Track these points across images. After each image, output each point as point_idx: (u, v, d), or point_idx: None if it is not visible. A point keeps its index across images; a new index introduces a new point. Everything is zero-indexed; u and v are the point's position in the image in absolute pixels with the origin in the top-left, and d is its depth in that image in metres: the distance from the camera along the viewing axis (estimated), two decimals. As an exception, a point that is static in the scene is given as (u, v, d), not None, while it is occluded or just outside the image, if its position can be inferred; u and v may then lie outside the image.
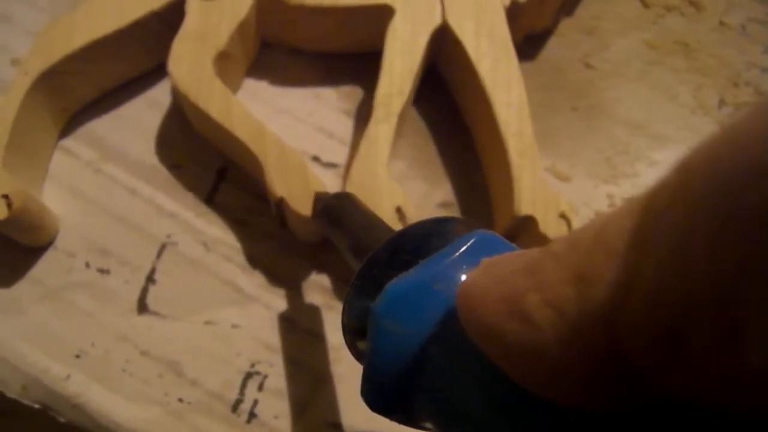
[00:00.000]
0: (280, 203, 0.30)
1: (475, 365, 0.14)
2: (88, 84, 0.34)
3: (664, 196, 0.10)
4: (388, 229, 0.24)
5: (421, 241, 0.18)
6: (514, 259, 0.13)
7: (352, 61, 0.36)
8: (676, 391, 0.10)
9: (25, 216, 0.30)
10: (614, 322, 0.10)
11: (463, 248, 0.16)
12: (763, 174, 0.08)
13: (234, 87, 0.35)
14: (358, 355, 0.20)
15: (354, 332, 0.20)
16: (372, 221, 0.25)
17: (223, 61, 0.33)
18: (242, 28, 0.33)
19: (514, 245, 0.17)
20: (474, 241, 0.16)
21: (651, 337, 0.10)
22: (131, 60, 0.35)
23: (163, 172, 0.34)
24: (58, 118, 0.34)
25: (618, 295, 0.10)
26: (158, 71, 0.36)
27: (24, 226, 0.30)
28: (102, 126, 0.35)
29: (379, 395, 0.17)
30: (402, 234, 0.19)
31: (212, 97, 0.31)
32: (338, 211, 0.26)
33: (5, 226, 0.29)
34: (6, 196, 0.28)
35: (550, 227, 0.30)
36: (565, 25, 0.39)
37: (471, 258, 0.16)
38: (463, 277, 0.16)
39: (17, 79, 0.31)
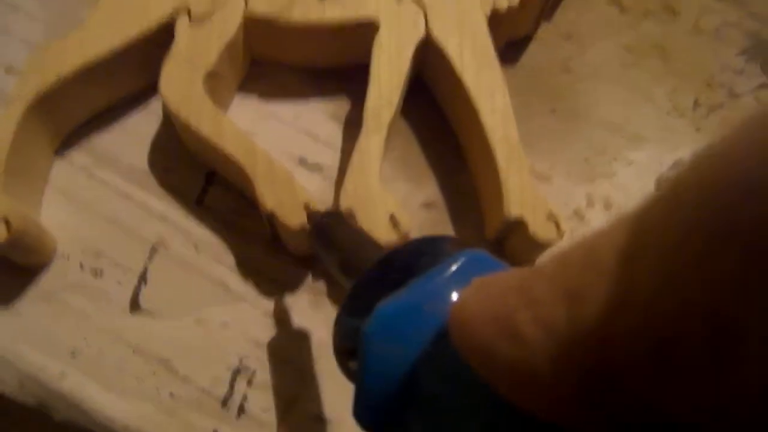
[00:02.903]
0: (271, 217, 0.31)
1: (466, 384, 0.14)
2: (82, 105, 0.35)
3: (655, 212, 0.10)
4: (379, 248, 0.24)
5: (412, 260, 0.18)
6: (505, 278, 0.13)
7: (339, 73, 0.37)
8: (666, 409, 0.10)
9: (24, 238, 0.30)
10: (605, 340, 0.10)
11: (454, 268, 0.16)
12: (754, 190, 0.08)
13: (225, 104, 0.36)
14: (349, 375, 0.20)
15: (345, 353, 0.20)
16: (362, 240, 0.25)
17: (212, 80, 0.34)
18: (230, 48, 0.34)
19: (505, 264, 0.17)
20: (464, 261, 0.16)
21: (642, 354, 0.10)
22: (124, 81, 0.36)
23: (154, 176, 0.35)
24: (53, 138, 0.35)
25: (609, 312, 0.10)
26: (149, 80, 0.37)
27: (23, 248, 0.31)
28: (96, 133, 0.36)
29: (370, 415, 0.17)
30: (392, 253, 0.19)
31: (203, 117, 0.32)
32: (329, 230, 0.26)
33: (4, 248, 0.30)
34: (5, 220, 0.29)
35: (540, 228, 0.31)
36: (545, 31, 0.40)
37: (461, 277, 0.16)
38: (454, 297, 0.16)
39: (12, 103, 0.32)
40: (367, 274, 0.19)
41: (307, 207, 0.30)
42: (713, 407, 0.09)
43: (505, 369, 0.12)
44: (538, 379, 0.11)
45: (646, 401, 0.10)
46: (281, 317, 0.33)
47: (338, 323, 0.20)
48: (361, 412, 0.17)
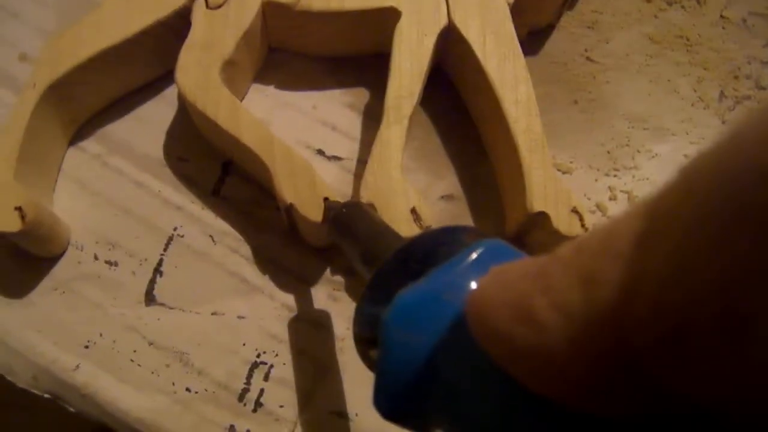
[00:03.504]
0: (290, 209, 0.30)
1: (485, 371, 0.14)
2: (97, 94, 0.35)
3: (669, 198, 0.10)
4: (398, 238, 0.24)
5: (431, 250, 0.18)
6: (522, 265, 0.13)
7: (357, 62, 0.37)
8: (683, 391, 0.10)
9: (38, 228, 0.30)
10: (621, 323, 0.10)
11: (472, 257, 0.16)
12: (766, 175, 0.08)
13: (241, 93, 0.36)
14: (370, 364, 0.20)
15: (365, 342, 0.20)
16: (382, 230, 0.25)
17: (229, 68, 0.33)
18: (248, 36, 0.33)
19: (522, 252, 0.17)
20: (482, 251, 0.16)
21: (657, 336, 0.10)
22: (139, 68, 0.35)
23: (169, 165, 0.35)
24: (67, 127, 0.34)
25: (624, 295, 0.10)
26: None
27: (36, 238, 0.31)
28: (109, 121, 0.35)
29: (391, 403, 0.17)
30: (411, 243, 0.20)
31: (219, 106, 0.31)
32: (348, 220, 0.26)
33: (18, 238, 0.30)
34: (20, 209, 0.29)
35: (563, 222, 0.30)
36: (567, 20, 0.39)
37: (479, 267, 0.16)
38: (473, 286, 0.16)
39: (26, 91, 0.32)
40: (387, 264, 0.20)
41: (326, 199, 0.30)
42: (729, 391, 0.09)
43: (522, 355, 0.12)
44: (555, 364, 0.11)
45: (662, 384, 0.10)
46: (298, 310, 0.32)
47: (359, 312, 0.20)
48: (381, 400, 0.17)
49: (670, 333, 0.09)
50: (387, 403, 0.17)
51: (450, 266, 0.16)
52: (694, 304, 0.09)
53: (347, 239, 0.26)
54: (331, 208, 0.29)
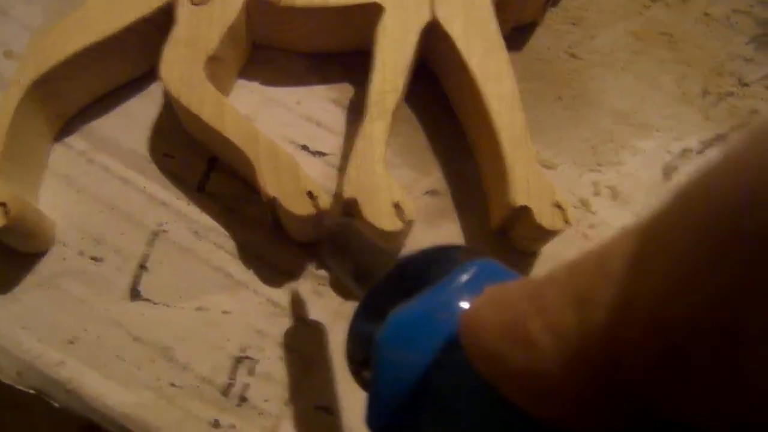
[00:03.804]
0: (273, 203, 0.30)
1: (479, 392, 0.14)
2: (82, 89, 0.35)
3: (663, 220, 0.10)
4: (391, 256, 0.24)
5: (424, 269, 0.18)
6: (516, 286, 0.13)
7: (341, 58, 0.37)
8: (676, 412, 0.10)
9: (23, 224, 0.30)
10: (615, 344, 0.10)
11: (466, 277, 0.16)
12: (762, 198, 0.08)
13: (226, 89, 0.36)
14: (363, 384, 0.20)
15: (358, 361, 0.20)
16: (375, 249, 0.25)
17: (214, 64, 0.33)
18: (232, 31, 0.33)
19: (515, 273, 0.17)
20: (476, 270, 0.16)
21: (651, 357, 0.10)
22: (124, 65, 0.35)
23: (155, 161, 0.35)
24: (53, 123, 0.35)
25: (618, 317, 0.10)
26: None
27: (21, 234, 0.31)
28: (94, 117, 0.36)
29: (384, 422, 0.17)
30: (404, 262, 0.20)
31: (204, 101, 0.31)
32: (341, 238, 0.26)
33: (3, 234, 0.30)
34: (4, 204, 0.29)
35: (546, 216, 0.31)
36: (552, 16, 0.39)
37: (473, 286, 0.16)
38: (466, 306, 0.16)
39: (11, 87, 0.32)
40: (380, 283, 0.20)
41: (310, 194, 0.30)
42: (723, 411, 0.09)
43: (516, 376, 0.12)
44: (549, 386, 0.11)
45: (656, 405, 0.10)
46: (283, 305, 0.32)
47: (351, 331, 0.20)
48: (374, 419, 0.17)
49: (663, 354, 0.09)
50: (380, 423, 0.17)
51: (443, 286, 0.16)
52: (688, 326, 0.09)
53: (340, 257, 0.26)
54: (323, 226, 0.29)
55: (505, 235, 0.33)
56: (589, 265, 0.11)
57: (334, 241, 0.27)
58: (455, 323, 0.14)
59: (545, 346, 0.11)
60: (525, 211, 0.31)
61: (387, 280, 0.19)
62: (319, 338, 0.32)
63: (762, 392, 0.08)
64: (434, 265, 0.18)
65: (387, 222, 0.29)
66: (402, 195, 0.30)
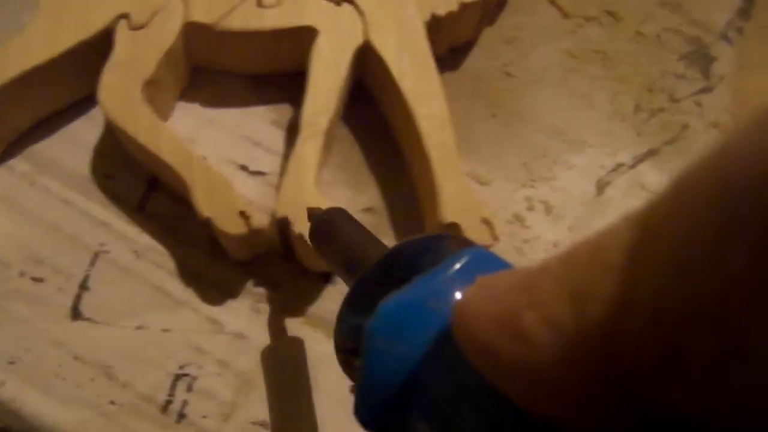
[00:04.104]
0: (207, 223, 0.31)
1: (471, 384, 0.14)
2: (23, 113, 0.35)
3: (662, 209, 0.10)
4: (382, 245, 0.24)
5: (415, 257, 0.18)
6: (509, 276, 0.13)
7: (281, 79, 0.38)
8: (674, 407, 0.10)
9: None
10: (612, 338, 0.10)
11: (458, 266, 0.16)
12: (761, 185, 0.08)
13: (166, 112, 0.36)
14: (351, 374, 0.20)
15: (347, 351, 0.20)
16: (365, 237, 0.25)
17: (152, 88, 0.34)
18: (170, 55, 0.34)
19: (508, 262, 0.17)
20: (468, 259, 0.16)
21: (651, 352, 0.09)
22: (65, 88, 0.36)
23: (96, 182, 0.35)
24: (-6, 146, 0.35)
25: (616, 309, 0.10)
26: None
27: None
28: (37, 140, 0.36)
29: (373, 414, 0.16)
30: (395, 250, 0.19)
31: (140, 124, 0.32)
32: (330, 227, 0.26)
33: None
34: None
35: (474, 232, 0.31)
36: (487, 36, 0.40)
37: (465, 275, 0.16)
38: (458, 295, 0.15)
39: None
40: (370, 272, 0.19)
41: (243, 213, 0.30)
42: (722, 407, 0.09)
43: (510, 369, 0.12)
44: (544, 380, 0.11)
45: (654, 401, 0.10)
46: (221, 322, 0.33)
47: (340, 321, 0.20)
48: (363, 410, 0.16)
49: (663, 347, 0.09)
50: (368, 414, 0.16)
51: (435, 274, 0.16)
52: (690, 318, 0.09)
53: (328, 246, 0.26)
54: (312, 214, 0.29)
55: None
56: (584, 256, 0.11)
57: (323, 229, 0.27)
58: (447, 313, 0.14)
59: (540, 339, 0.11)
60: (454, 227, 0.32)
61: (377, 269, 0.19)
62: (257, 354, 0.33)
63: (763, 388, 0.08)
64: (425, 254, 0.18)
65: (318, 241, 0.30)
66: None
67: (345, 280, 0.24)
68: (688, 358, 0.09)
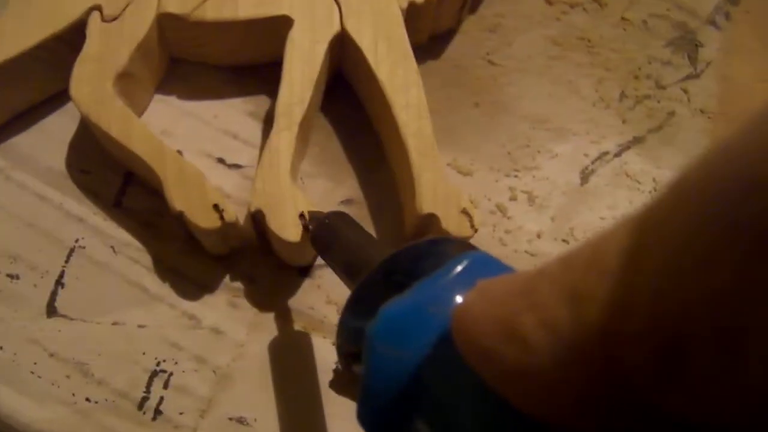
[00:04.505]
0: (180, 217, 0.30)
1: (471, 387, 0.14)
2: None
3: (658, 212, 0.10)
4: (383, 248, 0.24)
5: (415, 262, 0.18)
6: (509, 280, 0.13)
7: (259, 71, 0.37)
8: (673, 410, 0.10)
9: None
10: (610, 341, 0.10)
11: (457, 270, 0.16)
12: (758, 186, 0.08)
13: (141, 105, 0.36)
14: (354, 378, 0.20)
15: (349, 355, 0.20)
16: (366, 241, 0.25)
17: (126, 80, 0.33)
18: (143, 47, 0.34)
19: (509, 266, 0.17)
20: (468, 263, 0.16)
21: (648, 354, 0.09)
22: (37, 83, 0.35)
23: (71, 177, 0.35)
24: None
25: (614, 312, 0.10)
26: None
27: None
28: (12, 134, 0.36)
29: (375, 418, 0.16)
30: (396, 255, 0.20)
31: (113, 118, 0.32)
32: (331, 231, 0.26)
33: None
34: None
35: (452, 223, 0.31)
36: (469, 24, 0.40)
37: (465, 280, 0.16)
38: (458, 299, 0.16)
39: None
40: (371, 276, 0.20)
41: (217, 207, 0.30)
42: (720, 408, 0.09)
43: (509, 373, 0.12)
44: (544, 384, 0.11)
45: (652, 403, 0.10)
46: (198, 318, 0.32)
47: (342, 325, 0.20)
48: (365, 415, 0.17)
49: (662, 350, 0.09)
50: (371, 418, 0.17)
51: (435, 278, 0.16)
52: (688, 320, 0.09)
53: (331, 250, 0.26)
54: (313, 218, 0.29)
55: (419, 242, 0.34)
56: (582, 259, 0.11)
57: (324, 234, 0.27)
58: (448, 317, 0.14)
59: (539, 342, 0.11)
60: (432, 218, 0.31)
61: (378, 273, 0.19)
62: (233, 350, 0.32)
63: (761, 390, 0.08)
64: (426, 258, 0.18)
65: (292, 233, 0.30)
66: (307, 205, 0.30)
67: (347, 284, 0.24)
68: (685, 360, 0.09)
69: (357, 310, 0.20)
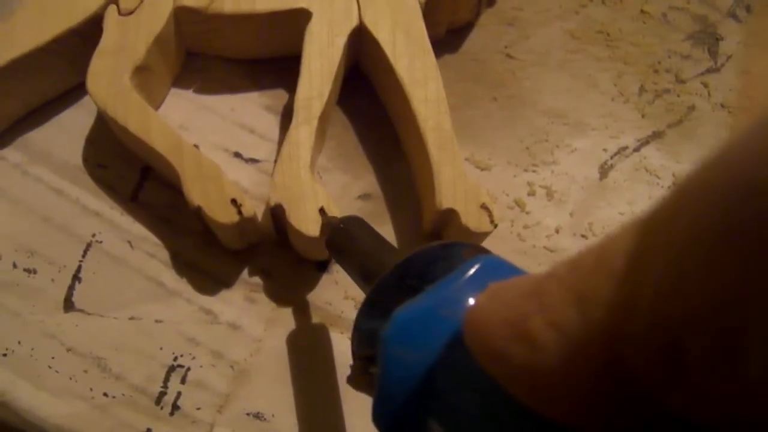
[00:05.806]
0: (198, 212, 0.30)
1: (483, 388, 0.14)
2: (14, 103, 0.35)
3: (662, 216, 0.10)
4: (397, 252, 0.24)
5: (428, 265, 0.19)
6: (519, 283, 0.13)
7: (276, 64, 0.37)
8: (676, 408, 0.10)
9: None
10: (615, 341, 0.10)
11: (469, 273, 0.17)
12: (757, 190, 0.08)
13: (158, 99, 0.36)
14: (369, 381, 0.20)
15: (364, 358, 0.20)
16: (380, 245, 0.25)
17: (142, 74, 0.33)
18: (160, 41, 0.33)
19: (521, 269, 0.17)
20: (480, 266, 0.17)
21: (651, 354, 0.10)
22: (54, 77, 0.35)
23: (88, 172, 0.35)
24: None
25: (619, 313, 0.10)
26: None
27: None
28: (29, 129, 0.36)
29: (390, 420, 0.17)
30: (409, 259, 0.20)
31: (130, 112, 0.32)
32: (346, 235, 0.26)
33: None
34: None
35: (472, 219, 0.31)
36: (488, 17, 0.40)
37: (477, 283, 0.16)
38: (470, 302, 0.16)
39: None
40: (384, 280, 0.20)
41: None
42: (724, 409, 0.09)
43: (520, 373, 0.12)
44: (552, 383, 0.11)
45: (658, 402, 0.10)
46: (215, 312, 0.32)
47: (357, 328, 0.20)
48: (380, 417, 0.17)
49: (664, 350, 0.09)
50: (386, 420, 0.17)
51: (448, 282, 0.17)
52: (689, 322, 0.09)
53: (345, 255, 0.26)
54: (328, 223, 0.29)
55: (438, 237, 0.34)
56: (589, 262, 0.11)
57: (339, 239, 0.27)
58: (460, 320, 0.14)
59: (547, 343, 0.11)
60: (452, 213, 0.31)
61: (391, 277, 0.20)
62: (251, 345, 0.32)
63: (761, 388, 0.08)
64: (439, 261, 0.19)
65: (312, 228, 0.29)
66: (327, 200, 0.30)
67: (361, 288, 0.24)
68: (689, 360, 0.09)
69: (371, 313, 0.20)
